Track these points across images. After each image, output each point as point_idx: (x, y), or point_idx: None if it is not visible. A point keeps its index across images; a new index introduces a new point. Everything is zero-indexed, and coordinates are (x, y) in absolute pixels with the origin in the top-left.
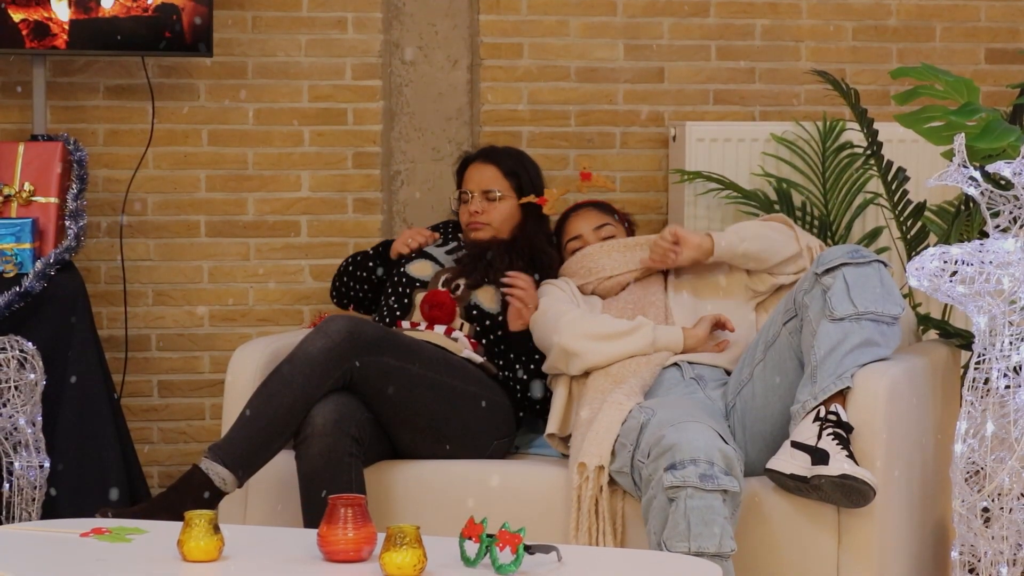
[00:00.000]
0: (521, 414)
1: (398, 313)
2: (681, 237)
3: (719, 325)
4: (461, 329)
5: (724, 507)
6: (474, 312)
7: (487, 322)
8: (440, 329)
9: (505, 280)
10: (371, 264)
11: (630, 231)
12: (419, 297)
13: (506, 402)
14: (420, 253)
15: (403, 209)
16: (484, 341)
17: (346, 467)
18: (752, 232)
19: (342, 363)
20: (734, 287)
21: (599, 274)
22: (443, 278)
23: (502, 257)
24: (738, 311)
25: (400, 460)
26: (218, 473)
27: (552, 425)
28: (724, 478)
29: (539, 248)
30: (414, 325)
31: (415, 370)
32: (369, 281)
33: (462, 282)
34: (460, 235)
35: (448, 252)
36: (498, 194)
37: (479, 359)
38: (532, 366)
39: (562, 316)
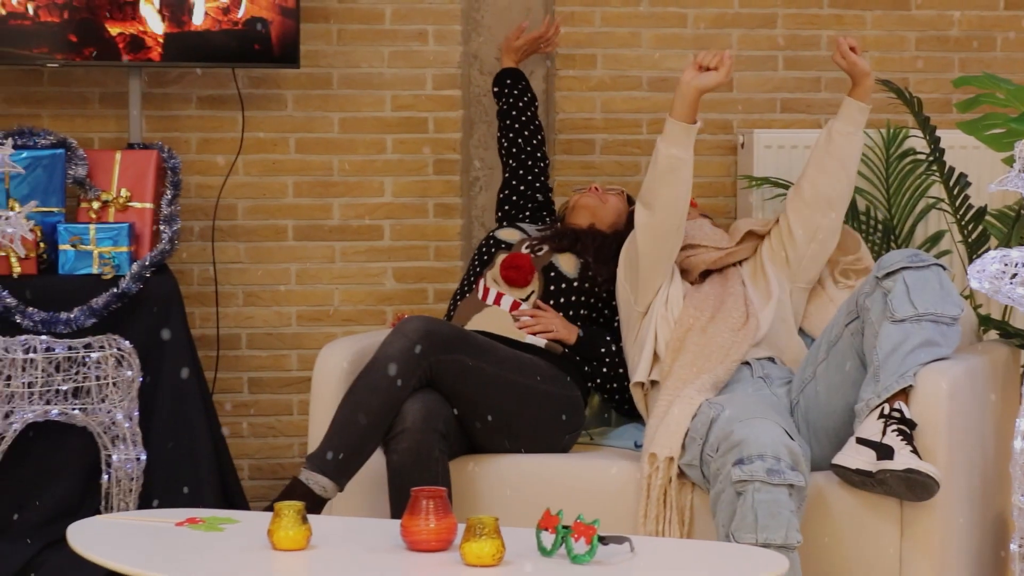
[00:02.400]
0: (590, 384)
1: (479, 270)
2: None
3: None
4: (532, 295)
5: (790, 500)
6: (552, 274)
7: (563, 284)
8: (507, 303)
9: (529, 314)
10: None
11: None
12: (501, 258)
13: (575, 394)
14: (511, 223)
15: (481, 214)
16: (552, 302)
17: (434, 462)
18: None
19: (421, 361)
20: (779, 276)
21: (690, 240)
22: (526, 244)
23: (593, 235)
24: (784, 291)
25: (480, 455)
26: (318, 482)
27: (641, 374)
28: (790, 473)
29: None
30: (486, 291)
31: (488, 369)
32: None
33: (546, 246)
34: (556, 227)
35: (539, 230)
36: (618, 191)
37: (542, 343)
38: (596, 378)
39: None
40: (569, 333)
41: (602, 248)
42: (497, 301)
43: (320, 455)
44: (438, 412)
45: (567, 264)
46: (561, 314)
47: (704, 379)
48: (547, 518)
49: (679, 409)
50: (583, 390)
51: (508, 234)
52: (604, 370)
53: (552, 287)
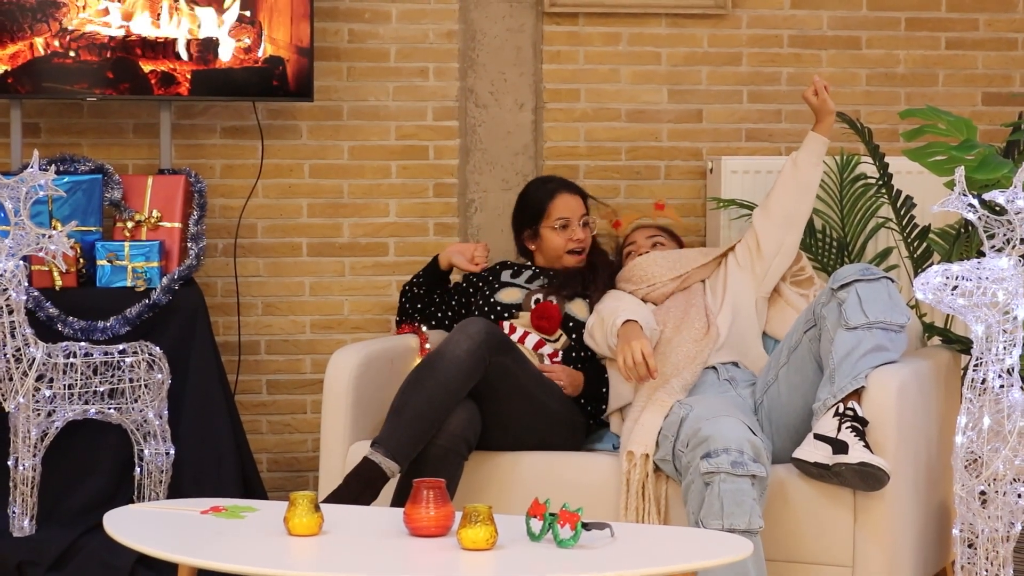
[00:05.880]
0: (591, 421)
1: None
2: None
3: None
4: (559, 340)
5: (753, 490)
6: (570, 324)
7: (582, 331)
8: (531, 342)
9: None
10: (430, 287)
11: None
12: (515, 321)
13: (580, 419)
14: (501, 284)
15: (476, 232)
16: (576, 350)
17: (455, 467)
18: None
19: (483, 362)
20: (746, 288)
21: (648, 281)
22: (535, 297)
23: (588, 275)
24: (749, 301)
25: (477, 451)
26: (387, 464)
27: (611, 406)
28: (753, 465)
29: (605, 261)
30: (512, 328)
31: (522, 377)
32: (436, 303)
33: (553, 298)
34: (530, 264)
35: (528, 281)
36: (592, 221)
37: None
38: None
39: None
40: (575, 389)
41: (599, 277)
42: (522, 340)
43: (388, 439)
44: (474, 423)
45: (580, 311)
46: (570, 368)
47: (673, 383)
48: (535, 506)
49: (652, 410)
50: (586, 416)
51: (510, 295)
52: (603, 406)
53: (574, 335)
